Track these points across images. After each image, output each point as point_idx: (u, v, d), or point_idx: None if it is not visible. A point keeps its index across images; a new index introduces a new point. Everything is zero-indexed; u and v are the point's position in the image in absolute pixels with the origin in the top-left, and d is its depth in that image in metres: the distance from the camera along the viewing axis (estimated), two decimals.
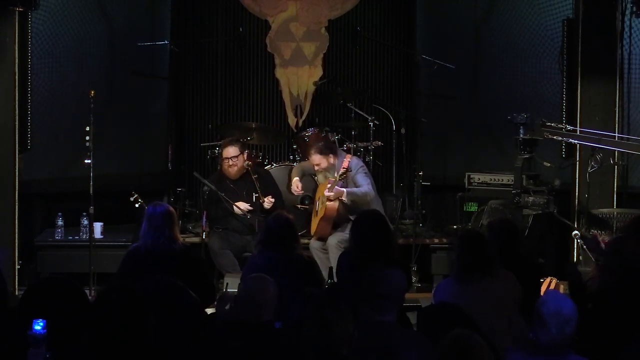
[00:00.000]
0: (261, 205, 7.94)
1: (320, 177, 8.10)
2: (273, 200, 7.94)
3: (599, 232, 7.65)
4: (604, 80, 8.00)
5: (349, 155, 7.95)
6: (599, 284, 5.35)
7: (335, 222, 7.78)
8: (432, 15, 10.01)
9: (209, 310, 5.61)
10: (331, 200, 7.71)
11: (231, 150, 8.02)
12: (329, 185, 7.69)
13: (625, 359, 4.26)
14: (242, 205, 7.91)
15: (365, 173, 7.91)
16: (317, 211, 7.95)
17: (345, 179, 7.69)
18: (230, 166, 8.00)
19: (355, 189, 7.74)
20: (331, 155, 7.87)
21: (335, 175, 7.73)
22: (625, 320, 4.79)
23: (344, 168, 7.68)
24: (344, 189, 7.70)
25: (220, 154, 8.21)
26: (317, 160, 7.87)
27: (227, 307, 4.97)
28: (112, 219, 8.56)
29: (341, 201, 7.73)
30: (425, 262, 8.44)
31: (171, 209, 6.03)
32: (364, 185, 7.77)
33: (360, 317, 4.15)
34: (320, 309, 3.92)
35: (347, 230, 7.37)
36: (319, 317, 3.89)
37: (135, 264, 5.89)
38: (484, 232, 6.82)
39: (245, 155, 8.14)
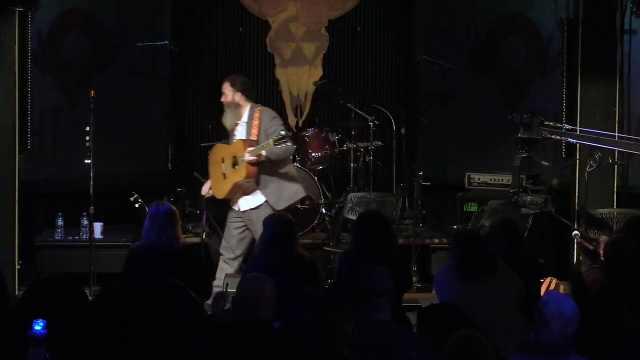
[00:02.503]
0: None
1: (228, 118, 7.55)
2: None
3: (597, 232, 7.65)
4: (604, 80, 8.00)
5: (260, 107, 7.57)
6: (600, 285, 5.36)
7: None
8: (432, 15, 10.01)
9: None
10: (252, 163, 7.29)
11: None
12: (250, 149, 7.23)
13: (620, 357, 4.26)
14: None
15: (282, 125, 7.48)
16: (225, 174, 7.47)
17: (284, 142, 7.11)
18: None
19: (275, 148, 7.17)
20: (240, 94, 7.45)
21: (254, 137, 7.33)
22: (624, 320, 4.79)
23: (255, 124, 7.34)
24: (264, 150, 7.23)
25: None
26: (226, 89, 7.47)
27: (225, 306, 4.98)
28: (112, 219, 8.55)
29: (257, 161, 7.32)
30: (425, 262, 8.44)
31: (174, 208, 6.06)
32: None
33: (357, 317, 4.15)
34: (320, 309, 3.92)
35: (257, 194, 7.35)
36: (319, 317, 3.89)
37: (135, 263, 5.91)
38: (484, 231, 6.84)
39: None
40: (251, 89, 7.66)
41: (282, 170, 7.48)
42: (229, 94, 7.49)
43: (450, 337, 3.77)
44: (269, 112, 7.55)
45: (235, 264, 7.51)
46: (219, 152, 7.63)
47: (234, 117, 7.51)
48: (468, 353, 3.68)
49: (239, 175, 7.36)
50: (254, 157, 7.24)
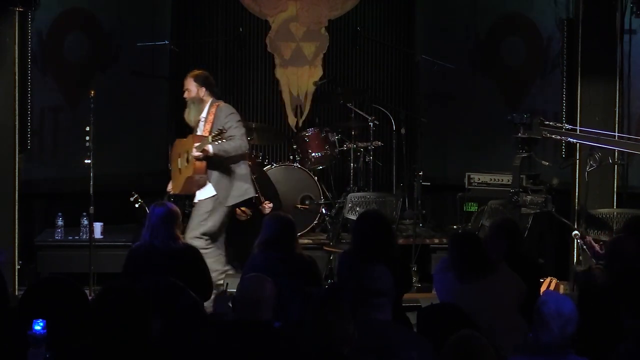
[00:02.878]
0: (261, 210, 7.94)
1: (192, 114, 7.54)
2: (272, 205, 7.93)
3: (597, 232, 7.65)
4: (604, 80, 8.00)
5: (219, 102, 7.53)
6: (600, 285, 5.36)
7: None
8: (432, 15, 10.01)
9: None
10: (199, 158, 7.30)
11: None
12: (197, 144, 7.25)
13: (620, 357, 4.26)
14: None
15: (238, 121, 7.45)
16: (180, 169, 7.52)
17: (220, 139, 7.11)
18: None
19: (224, 144, 7.19)
20: (204, 89, 7.45)
21: (207, 133, 7.33)
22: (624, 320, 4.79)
23: (210, 120, 7.36)
24: (210, 145, 7.20)
25: None
26: (190, 85, 7.47)
27: (228, 305, 4.99)
28: (112, 219, 8.55)
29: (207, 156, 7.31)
30: (425, 262, 8.44)
31: (174, 208, 6.06)
32: (237, 136, 7.32)
33: (357, 317, 4.15)
34: (320, 309, 3.92)
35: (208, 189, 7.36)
36: (319, 317, 3.89)
37: (135, 263, 5.92)
38: (484, 231, 6.84)
39: None
40: (214, 84, 7.65)
41: (232, 168, 7.44)
42: (192, 89, 7.49)
43: (450, 337, 3.77)
44: (226, 109, 7.50)
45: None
46: (177, 147, 7.65)
47: (196, 113, 7.51)
48: (468, 353, 3.68)
49: (189, 170, 7.38)
50: (200, 153, 7.24)
